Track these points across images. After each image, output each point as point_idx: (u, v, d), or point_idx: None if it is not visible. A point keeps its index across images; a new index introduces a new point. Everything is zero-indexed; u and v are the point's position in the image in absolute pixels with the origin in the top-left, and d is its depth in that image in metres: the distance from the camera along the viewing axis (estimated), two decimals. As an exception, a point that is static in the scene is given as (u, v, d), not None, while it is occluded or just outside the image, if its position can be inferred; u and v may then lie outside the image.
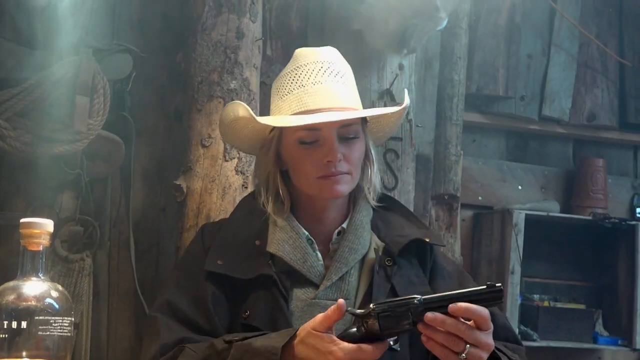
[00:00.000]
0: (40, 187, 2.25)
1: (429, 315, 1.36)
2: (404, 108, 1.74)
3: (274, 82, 1.77)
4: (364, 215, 1.74)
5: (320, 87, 1.65)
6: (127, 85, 2.44)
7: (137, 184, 2.51)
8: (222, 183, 2.25)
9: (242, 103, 1.72)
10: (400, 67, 2.71)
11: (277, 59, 2.67)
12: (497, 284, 1.39)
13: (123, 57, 2.39)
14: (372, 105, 2.59)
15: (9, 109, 2.13)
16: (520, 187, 3.34)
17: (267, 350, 1.41)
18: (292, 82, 1.68)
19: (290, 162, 1.70)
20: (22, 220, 1.24)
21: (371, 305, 1.42)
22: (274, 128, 1.71)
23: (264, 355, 1.41)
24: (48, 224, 1.24)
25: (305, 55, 1.72)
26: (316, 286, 1.65)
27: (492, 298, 1.39)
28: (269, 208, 1.71)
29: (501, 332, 1.67)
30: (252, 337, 1.48)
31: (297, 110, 1.65)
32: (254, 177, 2.34)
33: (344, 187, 1.66)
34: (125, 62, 2.40)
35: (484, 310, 1.37)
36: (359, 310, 1.44)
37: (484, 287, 1.40)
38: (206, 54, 2.31)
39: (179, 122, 2.45)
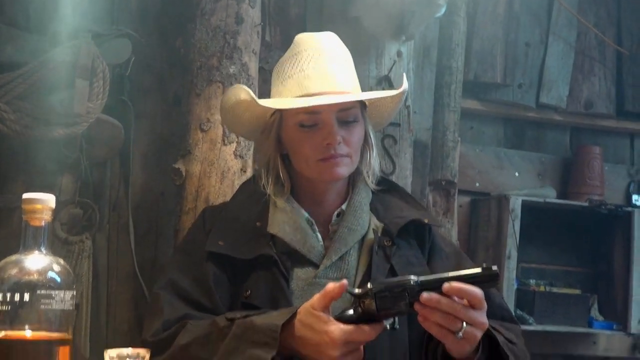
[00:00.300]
0: (40, 170, 2.26)
1: (425, 295, 1.37)
2: (403, 92, 1.76)
3: (274, 67, 1.79)
4: (363, 197, 1.76)
5: (320, 72, 1.68)
6: (127, 70, 2.44)
7: (136, 167, 2.52)
8: (221, 167, 2.27)
9: (244, 86, 1.74)
10: (399, 54, 2.72)
11: (275, 44, 2.68)
12: (492, 266, 1.40)
13: (122, 42, 2.40)
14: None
15: (8, 92, 2.14)
16: (517, 174, 3.36)
17: (268, 328, 1.43)
18: (292, 67, 1.71)
19: (290, 146, 1.72)
20: (25, 195, 1.24)
21: (368, 285, 1.43)
22: (274, 112, 1.73)
23: (265, 333, 1.42)
24: (50, 200, 1.25)
25: (305, 40, 1.74)
26: (316, 266, 1.68)
27: (487, 280, 1.41)
28: (270, 191, 1.73)
29: (497, 312, 1.69)
30: (254, 314, 1.50)
31: (298, 94, 1.67)
32: (253, 161, 2.35)
33: (344, 169, 1.68)
34: (124, 47, 2.41)
35: (477, 290, 1.39)
36: (356, 290, 1.45)
37: (480, 269, 1.41)
38: (205, 39, 2.32)
39: (178, 107, 2.46)
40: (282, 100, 1.69)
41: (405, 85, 1.76)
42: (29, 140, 2.20)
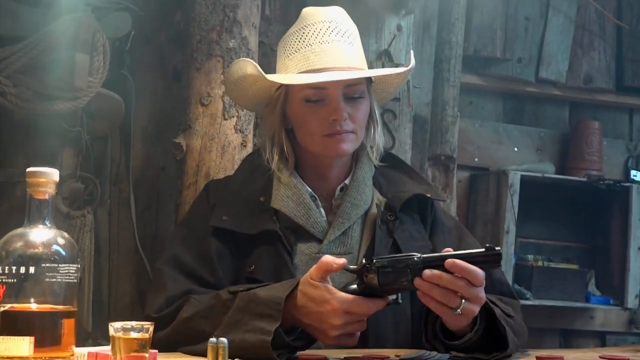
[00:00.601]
0: (41, 144, 2.27)
1: (427, 272, 1.38)
2: (410, 69, 1.76)
3: (280, 40, 1.78)
4: (366, 172, 1.76)
5: (327, 47, 1.67)
6: (127, 44, 2.44)
7: (137, 142, 2.53)
8: (222, 141, 2.27)
9: (250, 60, 1.73)
10: (399, 28, 2.72)
11: (275, 18, 2.68)
12: (496, 248, 1.41)
13: (122, 16, 2.39)
14: (370, 66, 2.60)
15: (9, 65, 2.13)
16: (516, 149, 3.37)
17: (271, 300, 1.44)
18: (299, 41, 1.70)
19: (295, 120, 1.73)
20: (29, 169, 1.25)
21: (372, 259, 1.44)
22: (280, 86, 1.73)
23: (268, 305, 1.44)
24: (54, 173, 1.26)
25: (312, 14, 1.73)
26: (320, 241, 1.69)
27: (490, 261, 1.41)
28: (274, 165, 1.73)
29: (497, 286, 1.70)
30: (257, 287, 1.51)
31: (304, 69, 1.67)
32: (253, 136, 2.36)
33: (349, 145, 1.69)
34: (124, 21, 2.40)
35: (479, 271, 1.39)
36: (352, 267, 1.46)
37: (483, 249, 1.42)
38: (205, 12, 2.31)
39: (178, 81, 2.47)
40: (289, 75, 1.69)
41: (412, 62, 1.76)
42: (29, 115, 2.20)
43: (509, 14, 3.26)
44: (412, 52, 1.80)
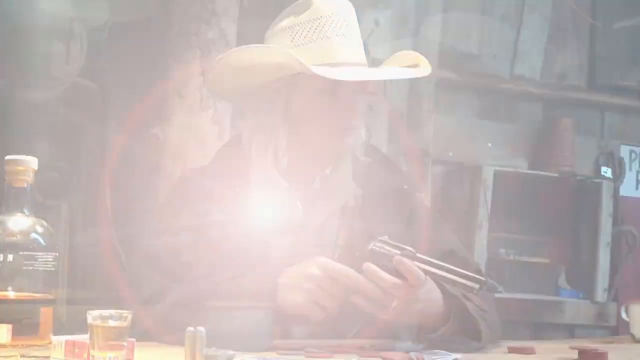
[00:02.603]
0: (16, 134, 2.25)
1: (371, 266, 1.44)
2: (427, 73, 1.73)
3: (280, 31, 1.68)
4: (347, 164, 1.76)
5: (345, 40, 1.65)
6: (104, 34, 2.43)
7: (114, 132, 2.52)
8: (199, 132, 2.28)
9: (282, 49, 1.61)
10: (376, 22, 2.74)
11: (252, 10, 2.68)
12: (484, 278, 1.43)
13: (100, 5, 2.38)
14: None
15: (-16, 53, 2.13)
16: (490, 145, 3.41)
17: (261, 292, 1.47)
18: (314, 32, 1.64)
19: (300, 113, 1.68)
20: (7, 157, 1.25)
21: (377, 242, 1.48)
22: (281, 77, 1.65)
23: (258, 296, 1.46)
24: (32, 161, 1.26)
25: (325, 6, 1.67)
26: (297, 234, 1.67)
27: (470, 279, 1.41)
28: (259, 160, 1.70)
29: (473, 279, 1.72)
30: (240, 277, 1.52)
31: (323, 62, 1.62)
32: (230, 128, 2.37)
33: (351, 140, 1.69)
34: (102, 10, 2.39)
35: (419, 272, 1.42)
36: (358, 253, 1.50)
37: (472, 274, 1.43)
38: (184, 3, 2.31)
39: (156, 72, 2.46)
40: (334, 69, 1.60)
41: (429, 68, 1.72)
42: (5, 103, 2.19)
43: (485, 10, 3.29)
44: (424, 59, 1.72)
